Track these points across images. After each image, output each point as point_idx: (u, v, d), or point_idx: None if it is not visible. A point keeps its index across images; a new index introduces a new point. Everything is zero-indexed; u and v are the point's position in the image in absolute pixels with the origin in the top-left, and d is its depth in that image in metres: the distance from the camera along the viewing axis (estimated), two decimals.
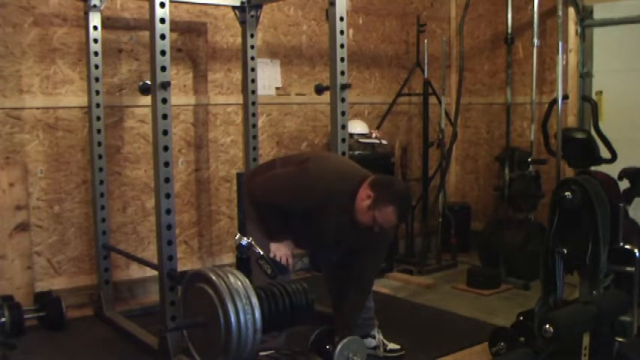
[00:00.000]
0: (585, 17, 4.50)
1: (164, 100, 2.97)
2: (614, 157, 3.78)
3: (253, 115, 4.08)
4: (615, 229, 2.88)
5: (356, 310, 3.04)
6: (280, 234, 2.87)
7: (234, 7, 4.03)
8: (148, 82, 3.02)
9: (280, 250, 2.83)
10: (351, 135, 4.51)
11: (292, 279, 2.86)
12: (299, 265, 4.69)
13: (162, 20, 2.94)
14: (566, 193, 2.80)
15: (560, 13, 4.34)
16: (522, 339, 2.90)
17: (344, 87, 3.17)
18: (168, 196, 3.03)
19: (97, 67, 3.71)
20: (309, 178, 2.82)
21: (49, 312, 3.54)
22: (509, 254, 4.49)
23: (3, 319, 3.16)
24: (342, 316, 2.94)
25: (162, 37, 2.95)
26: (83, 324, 3.68)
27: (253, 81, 4.08)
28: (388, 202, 2.70)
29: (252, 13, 4.02)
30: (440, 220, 5.00)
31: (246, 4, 3.99)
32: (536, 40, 4.58)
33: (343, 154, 3.22)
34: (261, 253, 2.37)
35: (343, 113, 3.19)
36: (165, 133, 2.99)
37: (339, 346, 2.56)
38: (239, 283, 1.80)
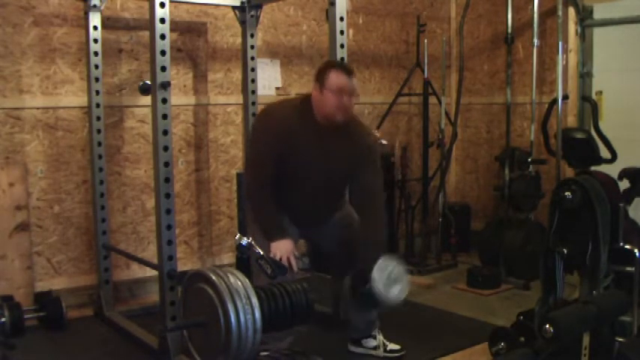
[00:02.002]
0: (585, 17, 4.50)
1: (164, 100, 2.97)
2: (614, 157, 3.77)
3: (253, 115, 4.08)
4: (615, 229, 2.88)
5: (378, 234, 2.98)
6: (278, 229, 2.86)
7: (234, 7, 4.03)
8: (148, 82, 3.02)
9: (281, 250, 2.81)
10: None
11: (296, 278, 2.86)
12: (299, 265, 4.68)
13: (163, 20, 2.94)
14: (566, 193, 2.81)
15: (560, 13, 4.33)
16: (522, 339, 2.90)
17: None
18: (168, 196, 3.03)
19: (97, 67, 3.72)
20: (260, 120, 3.04)
21: (49, 312, 3.54)
22: (509, 254, 4.49)
23: (3, 319, 3.16)
24: (364, 248, 2.87)
25: (163, 37, 2.95)
26: (83, 324, 3.68)
27: (253, 81, 4.08)
28: (327, 69, 2.83)
29: (252, 13, 4.02)
30: (440, 220, 5.00)
31: (246, 4, 4.00)
32: (536, 40, 4.58)
33: None
34: (261, 253, 2.37)
35: None
36: (165, 133, 2.99)
37: (375, 269, 2.55)
38: (239, 283, 1.80)
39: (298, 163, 2.87)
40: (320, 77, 2.84)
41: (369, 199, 2.97)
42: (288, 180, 2.90)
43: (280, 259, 2.77)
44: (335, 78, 2.79)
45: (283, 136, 2.83)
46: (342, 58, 3.16)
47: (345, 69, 2.85)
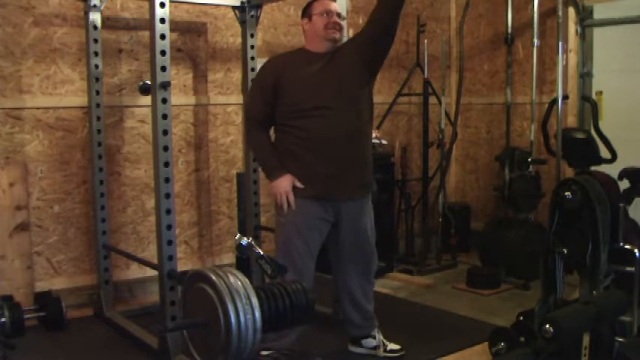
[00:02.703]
0: (585, 17, 4.50)
1: (164, 100, 2.97)
2: (614, 157, 3.78)
3: None
4: (615, 229, 2.88)
5: None
6: (276, 166, 2.94)
7: (234, 7, 4.03)
8: (148, 82, 3.02)
9: (280, 188, 2.92)
10: None
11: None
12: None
13: (163, 20, 2.94)
14: (566, 193, 2.80)
15: (560, 13, 4.34)
16: (522, 339, 2.90)
17: None
18: (168, 196, 3.03)
19: (97, 67, 3.71)
20: (264, 65, 3.12)
21: (49, 312, 3.54)
22: (509, 254, 4.49)
23: (3, 319, 3.16)
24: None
25: (163, 37, 2.95)
26: (83, 324, 3.69)
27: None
28: (310, 2, 3.03)
29: (252, 13, 4.02)
30: (440, 220, 5.00)
31: (246, 4, 3.99)
32: (536, 40, 4.58)
33: None
34: (262, 253, 2.37)
35: None
36: (165, 133, 2.99)
37: None
38: (239, 283, 1.79)
39: (302, 95, 2.92)
40: (306, 10, 3.04)
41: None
42: (300, 119, 2.90)
43: (280, 196, 2.91)
44: (319, 3, 2.99)
45: (276, 72, 2.96)
46: None
47: None
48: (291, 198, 2.91)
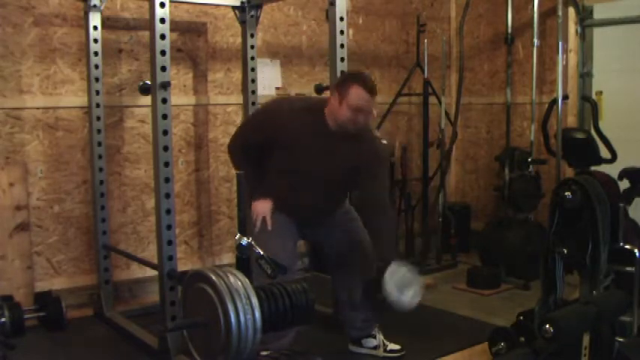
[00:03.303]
0: (585, 17, 4.50)
1: (164, 100, 2.97)
2: (614, 157, 3.78)
3: None
4: (615, 229, 2.88)
5: (389, 238, 3.00)
6: (259, 188, 2.94)
7: (234, 7, 4.03)
8: (148, 82, 3.02)
9: (258, 208, 2.92)
10: None
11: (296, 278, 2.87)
12: (299, 265, 4.68)
13: (163, 20, 2.94)
14: (566, 193, 2.80)
15: (560, 13, 4.34)
16: (522, 339, 2.90)
17: None
18: (168, 196, 3.03)
19: (97, 67, 3.71)
20: (271, 106, 3.08)
21: (49, 312, 3.52)
22: (509, 254, 4.49)
23: (3, 319, 3.15)
24: (380, 253, 2.92)
25: (163, 37, 2.95)
26: (83, 324, 3.68)
27: (253, 81, 4.08)
28: (351, 83, 2.78)
29: (252, 13, 4.02)
30: (440, 220, 5.00)
31: (246, 4, 4.00)
32: (536, 40, 4.58)
33: None
34: (262, 253, 2.37)
35: None
36: (165, 133, 2.99)
37: (387, 274, 2.56)
38: (239, 283, 1.80)
39: (299, 156, 2.89)
40: (341, 88, 2.80)
41: (377, 208, 2.99)
42: (289, 173, 2.93)
43: (257, 215, 2.90)
44: (356, 96, 2.76)
45: (283, 123, 2.86)
46: (342, 58, 3.17)
47: (369, 87, 2.79)
48: (268, 221, 2.92)
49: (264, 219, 2.92)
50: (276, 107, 3.02)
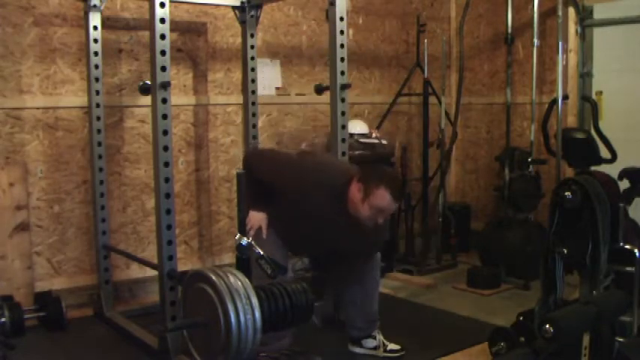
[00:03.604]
0: (585, 17, 4.50)
1: (164, 100, 2.97)
2: (614, 157, 3.78)
3: (253, 115, 4.08)
4: (615, 229, 2.88)
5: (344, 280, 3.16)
6: (260, 203, 2.97)
7: (234, 7, 4.03)
8: (148, 82, 3.02)
9: (255, 218, 2.94)
10: (351, 135, 4.50)
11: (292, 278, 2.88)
12: (299, 265, 4.68)
13: (163, 20, 2.94)
14: (566, 193, 2.80)
15: (560, 13, 4.34)
16: (522, 339, 2.90)
17: (344, 87, 3.17)
18: (168, 196, 3.03)
19: (97, 67, 3.71)
20: (302, 163, 3.05)
21: (49, 312, 3.53)
22: (509, 254, 4.49)
23: (3, 319, 3.16)
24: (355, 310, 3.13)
25: (163, 37, 2.94)
26: (83, 324, 3.68)
27: (253, 81, 4.08)
28: (378, 184, 2.76)
29: (252, 13, 4.02)
30: (440, 220, 5.00)
31: (246, 4, 4.00)
32: (536, 40, 4.58)
33: (343, 154, 3.24)
34: (262, 253, 2.37)
35: (343, 113, 3.19)
36: (165, 133, 2.99)
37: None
38: (239, 283, 1.80)
39: (306, 226, 2.93)
40: (368, 185, 2.78)
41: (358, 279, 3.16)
42: (289, 223, 2.97)
43: (251, 227, 2.92)
44: (381, 199, 2.76)
45: (302, 198, 2.87)
46: (342, 58, 3.17)
47: (395, 193, 2.80)
48: (264, 231, 2.96)
49: (259, 228, 2.96)
50: (307, 175, 2.94)
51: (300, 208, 2.89)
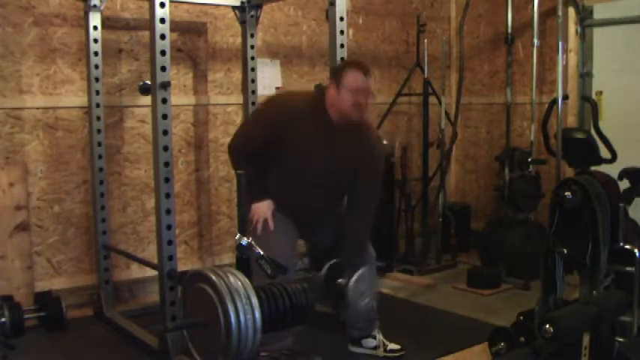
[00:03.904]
0: (585, 17, 4.50)
1: (164, 100, 2.97)
2: (614, 157, 3.78)
3: None
4: (615, 229, 2.88)
5: (362, 237, 3.07)
6: (258, 191, 2.94)
7: (234, 7, 4.03)
8: (148, 82, 3.02)
9: (259, 210, 2.92)
10: None
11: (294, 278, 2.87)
12: (299, 265, 4.68)
13: (163, 20, 2.94)
14: (566, 193, 2.80)
15: (560, 13, 4.33)
16: (522, 339, 2.90)
17: None
18: (168, 196, 3.03)
19: (97, 67, 3.71)
20: (267, 102, 3.08)
21: (49, 312, 3.53)
22: (509, 254, 4.49)
23: (3, 319, 3.16)
24: (348, 248, 2.97)
25: (163, 37, 2.94)
26: (83, 324, 3.68)
27: (253, 81, 4.08)
28: (344, 69, 2.85)
29: (252, 13, 4.02)
30: (440, 220, 5.00)
31: (246, 4, 4.00)
32: (536, 40, 4.58)
33: None
34: (262, 253, 2.37)
35: None
36: (165, 133, 2.99)
37: (354, 279, 2.62)
38: (239, 283, 1.80)
39: (300, 153, 2.89)
40: (337, 75, 2.85)
41: (362, 206, 3.05)
42: (289, 172, 2.93)
43: (257, 220, 2.90)
44: (353, 78, 2.81)
45: (287, 122, 2.86)
46: (342, 58, 3.16)
47: (363, 68, 2.84)
48: (270, 224, 2.93)
49: (265, 221, 2.93)
50: (279, 107, 2.99)
51: (290, 143, 2.87)
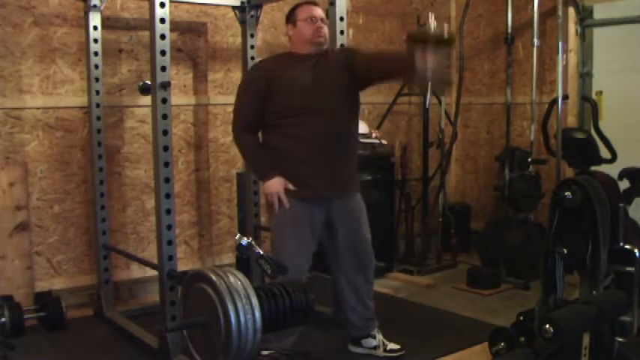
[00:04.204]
0: (585, 17, 4.50)
1: (164, 100, 2.97)
2: (614, 157, 3.78)
3: None
4: (615, 229, 2.88)
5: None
6: (267, 167, 2.96)
7: (234, 7, 4.03)
8: (148, 82, 3.02)
9: (272, 189, 2.93)
10: None
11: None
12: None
13: (163, 20, 2.94)
14: (566, 193, 2.80)
15: (560, 13, 4.33)
16: (522, 339, 2.90)
17: None
18: (168, 196, 3.03)
19: (97, 67, 3.72)
20: (250, 71, 3.36)
21: (49, 312, 3.53)
22: (509, 254, 4.49)
23: (3, 319, 3.16)
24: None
25: (163, 37, 2.95)
26: (83, 324, 3.69)
27: None
28: (294, 8, 3.08)
29: (252, 13, 4.03)
30: (440, 220, 5.00)
31: (246, 4, 4.00)
32: (536, 40, 4.58)
33: None
34: (262, 253, 2.37)
35: None
36: (165, 133, 2.99)
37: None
38: (239, 283, 1.80)
39: (291, 94, 2.93)
40: (290, 16, 3.07)
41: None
42: (291, 118, 2.93)
43: (272, 196, 2.92)
44: (303, 9, 3.03)
45: (267, 74, 2.98)
46: None
47: (310, 1, 3.08)
48: (284, 198, 2.93)
49: (280, 201, 2.92)
50: (256, 69, 3.21)
51: (281, 91, 2.94)
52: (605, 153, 3.80)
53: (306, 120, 2.92)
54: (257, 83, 3.00)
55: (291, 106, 2.92)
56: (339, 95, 3.00)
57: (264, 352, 2.72)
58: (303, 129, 2.92)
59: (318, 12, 3.03)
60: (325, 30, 3.03)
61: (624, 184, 3.19)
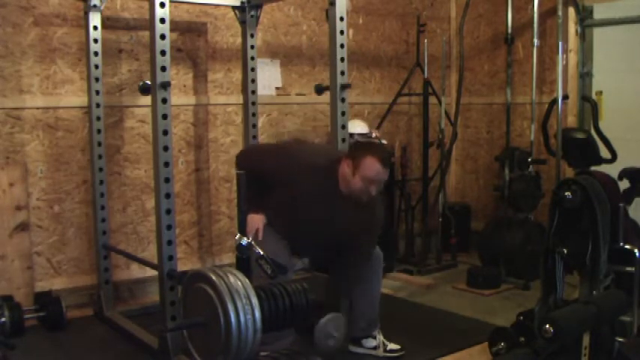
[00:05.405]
0: (585, 17, 4.50)
1: (164, 100, 2.97)
2: (614, 157, 3.78)
3: (253, 115, 4.08)
4: (615, 229, 2.88)
5: (349, 281, 3.10)
6: (257, 204, 2.95)
7: (234, 7, 4.03)
8: (148, 82, 3.02)
9: (253, 221, 2.93)
10: (351, 135, 4.50)
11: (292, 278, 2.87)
12: (299, 265, 4.68)
13: (163, 20, 2.94)
14: (566, 193, 2.80)
15: (560, 13, 4.34)
16: (522, 339, 2.90)
17: (344, 87, 3.17)
18: (168, 196, 3.03)
19: (97, 67, 3.71)
20: (290, 150, 3.09)
21: (49, 312, 3.54)
22: (509, 254, 4.49)
23: (3, 319, 3.16)
24: (333, 288, 3.03)
25: (163, 37, 2.94)
26: (83, 324, 3.68)
27: (253, 81, 4.08)
28: (365, 154, 2.83)
29: (252, 13, 4.02)
30: (440, 220, 5.00)
31: (246, 4, 4.00)
32: (536, 40, 4.58)
33: None
34: (262, 253, 2.37)
35: (343, 113, 3.19)
36: (165, 133, 2.99)
37: (323, 321, 2.61)
38: (239, 283, 1.80)
39: (301, 206, 2.92)
40: (356, 158, 2.83)
41: (358, 256, 3.08)
42: (287, 212, 2.95)
43: (249, 231, 2.89)
44: (371, 168, 2.80)
45: (296, 176, 2.88)
46: (342, 58, 3.16)
47: (384, 160, 2.83)
48: (260, 234, 2.94)
49: (256, 231, 2.95)
50: (293, 158, 2.98)
51: (294, 194, 2.89)
52: (605, 153, 3.80)
53: (298, 229, 2.96)
54: (282, 172, 2.90)
55: (294, 214, 2.93)
56: (337, 241, 3.03)
57: (263, 353, 2.72)
58: (298, 225, 2.96)
59: (384, 176, 2.85)
60: (374, 192, 2.86)
61: (624, 184, 3.20)
